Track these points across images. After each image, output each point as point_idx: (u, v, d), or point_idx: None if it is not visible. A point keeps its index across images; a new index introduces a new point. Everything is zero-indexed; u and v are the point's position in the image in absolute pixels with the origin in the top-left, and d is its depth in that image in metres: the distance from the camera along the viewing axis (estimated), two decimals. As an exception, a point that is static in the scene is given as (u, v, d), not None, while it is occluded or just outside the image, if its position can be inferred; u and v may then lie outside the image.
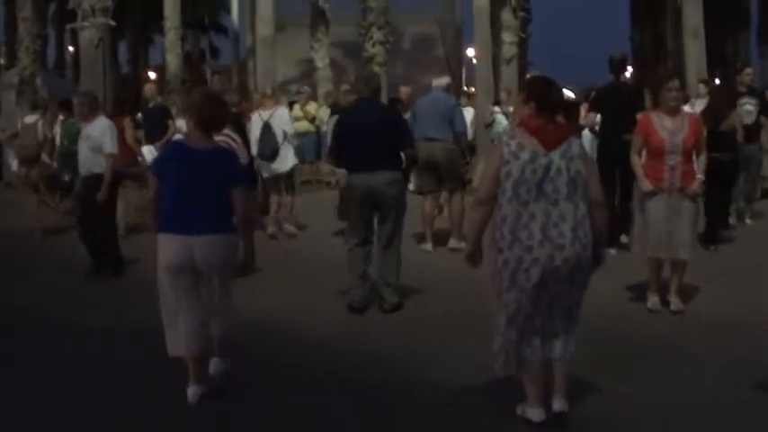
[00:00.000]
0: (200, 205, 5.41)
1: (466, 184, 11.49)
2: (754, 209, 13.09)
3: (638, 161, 7.91)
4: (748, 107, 12.02)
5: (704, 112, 10.98)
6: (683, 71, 19.22)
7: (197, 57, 45.91)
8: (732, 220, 12.09)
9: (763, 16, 35.69)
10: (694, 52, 20.16)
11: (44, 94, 21.94)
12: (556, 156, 4.99)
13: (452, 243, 11.00)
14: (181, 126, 16.07)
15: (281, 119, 11.93)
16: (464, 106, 18.23)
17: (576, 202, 5.00)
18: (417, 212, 12.72)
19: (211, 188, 5.45)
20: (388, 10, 24.01)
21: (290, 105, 17.89)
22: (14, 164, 13.42)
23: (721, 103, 11.16)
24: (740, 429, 5.11)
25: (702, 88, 15.95)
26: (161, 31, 30.23)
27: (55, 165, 12.73)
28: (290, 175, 12.12)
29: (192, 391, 5.56)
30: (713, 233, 10.74)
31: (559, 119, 5.29)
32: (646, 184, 7.75)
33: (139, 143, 13.12)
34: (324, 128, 16.71)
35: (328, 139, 9.67)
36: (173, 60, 27.09)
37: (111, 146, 9.38)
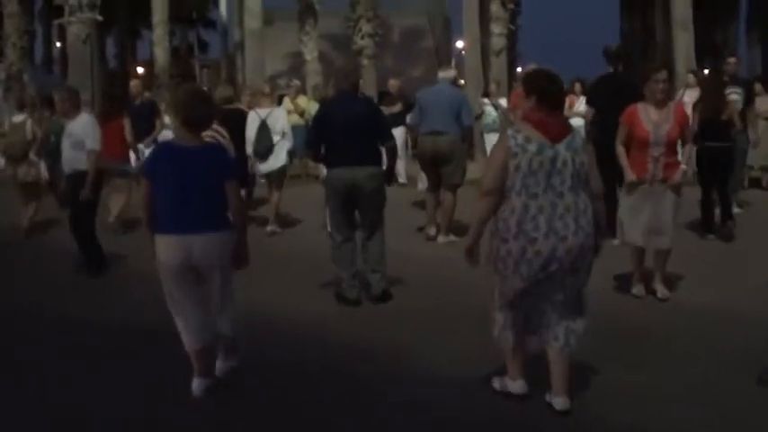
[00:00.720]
0: (194, 203, 5.39)
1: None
2: (740, 198, 13.12)
3: (623, 151, 7.97)
4: (734, 96, 12.04)
5: (699, 102, 10.99)
6: (672, 61, 19.24)
7: (185, 51, 45.85)
8: (735, 209, 12.09)
9: (751, 6, 35.75)
10: (683, 42, 20.20)
11: (32, 91, 21.84)
12: (561, 148, 5.05)
13: (441, 238, 10.99)
14: (170, 122, 16.03)
15: (279, 118, 11.90)
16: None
17: (579, 192, 5.07)
18: (405, 204, 12.77)
19: (204, 185, 5.42)
20: (377, 2, 23.97)
21: (280, 99, 17.84)
22: (1, 162, 13.30)
23: (712, 92, 11.18)
24: (731, 417, 5.11)
25: (691, 78, 15.96)
26: (149, 25, 30.15)
27: (42, 163, 12.62)
28: (281, 171, 12.08)
29: (197, 384, 5.59)
30: (710, 222, 10.77)
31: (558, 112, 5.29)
32: (630, 175, 7.81)
33: None
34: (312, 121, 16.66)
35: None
36: (161, 55, 27.05)
37: (92, 142, 9.29)
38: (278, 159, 11.86)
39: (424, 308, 7.66)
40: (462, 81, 23.11)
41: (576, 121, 17.94)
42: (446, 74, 11.52)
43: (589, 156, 5.20)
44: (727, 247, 10.23)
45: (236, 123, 10.87)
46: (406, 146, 15.81)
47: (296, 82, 20.19)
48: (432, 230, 11.12)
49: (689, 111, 11.42)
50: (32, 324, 7.48)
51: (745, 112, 12.44)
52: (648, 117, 7.75)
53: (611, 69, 10.90)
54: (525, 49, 31.64)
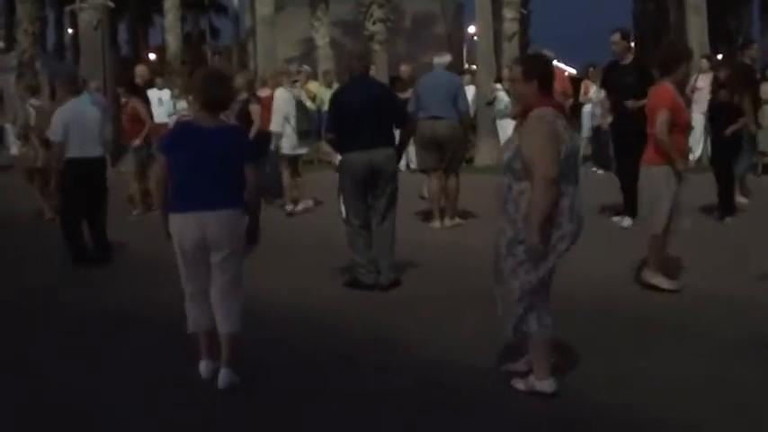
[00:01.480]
0: (210, 183, 5.43)
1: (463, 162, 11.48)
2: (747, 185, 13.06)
3: (671, 141, 7.51)
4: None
5: (731, 86, 10.85)
6: (680, 43, 19.12)
7: (197, 37, 45.75)
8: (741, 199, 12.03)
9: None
10: (697, 27, 20.06)
11: (43, 77, 21.90)
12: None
13: (447, 221, 11.01)
14: (181, 108, 16.07)
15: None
16: (466, 84, 18.19)
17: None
18: (413, 191, 12.75)
19: (221, 166, 5.47)
20: (389, -13, 23.87)
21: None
22: (14, 148, 13.32)
23: (743, 78, 11.17)
24: (736, 405, 5.08)
25: (705, 64, 15.88)
26: (160, 11, 30.15)
27: None
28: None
29: (205, 366, 5.63)
30: (731, 204, 10.75)
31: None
32: (681, 164, 7.53)
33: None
34: (324, 107, 16.69)
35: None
36: (173, 41, 27.03)
37: (50, 133, 9.40)
38: (306, 142, 12.07)
39: (435, 293, 7.65)
40: (474, 66, 23.07)
41: (588, 107, 17.96)
42: (441, 59, 11.48)
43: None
44: (736, 234, 10.17)
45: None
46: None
47: (305, 67, 20.17)
48: (437, 223, 11.09)
49: (704, 96, 11.41)
50: (32, 318, 7.47)
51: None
52: (680, 100, 7.68)
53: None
54: (537, 35, 31.51)
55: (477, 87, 19.01)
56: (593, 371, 5.57)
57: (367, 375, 5.73)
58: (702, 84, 14.49)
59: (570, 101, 14.66)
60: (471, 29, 33.96)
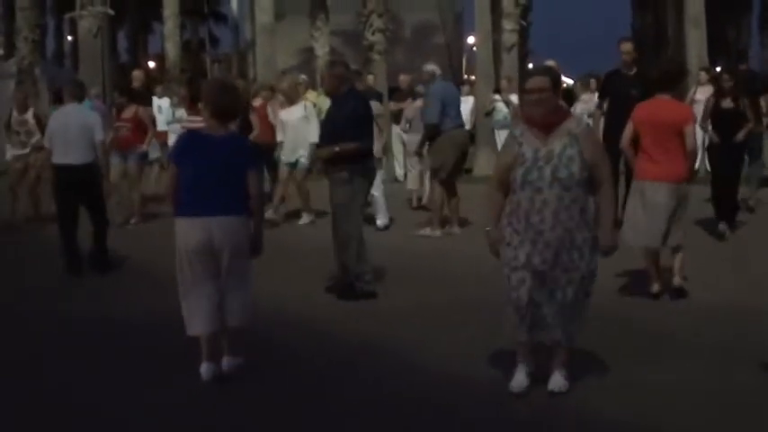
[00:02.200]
0: (217, 189, 5.60)
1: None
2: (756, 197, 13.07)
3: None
4: None
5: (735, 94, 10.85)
6: (684, 58, 19.16)
7: (196, 45, 45.75)
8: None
9: (764, 3, 35.54)
10: (695, 39, 20.07)
11: (43, 84, 21.88)
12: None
13: (456, 229, 11.19)
14: (181, 116, 16.03)
15: None
16: (465, 95, 18.19)
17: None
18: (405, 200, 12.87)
19: (226, 173, 5.63)
20: (389, -3, 23.90)
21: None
22: (8, 153, 13.28)
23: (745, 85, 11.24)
24: (741, 415, 5.08)
25: (703, 76, 15.89)
26: (160, 19, 30.15)
27: None
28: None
29: (206, 369, 5.69)
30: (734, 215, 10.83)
31: None
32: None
33: None
34: (323, 116, 16.66)
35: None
36: (172, 49, 27.02)
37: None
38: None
39: (433, 302, 7.65)
40: (473, 77, 23.08)
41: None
42: (435, 68, 11.51)
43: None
44: (738, 244, 10.17)
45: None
46: (403, 143, 15.87)
47: (303, 77, 20.15)
48: (437, 231, 11.11)
49: (700, 108, 11.42)
50: (32, 323, 7.47)
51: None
52: None
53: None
54: (537, 46, 31.59)
55: (475, 98, 19.03)
56: (593, 379, 5.57)
57: (365, 379, 5.76)
58: (701, 96, 14.49)
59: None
60: (470, 39, 33.99)
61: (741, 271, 8.75)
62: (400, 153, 16.71)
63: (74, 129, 9.27)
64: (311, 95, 19.24)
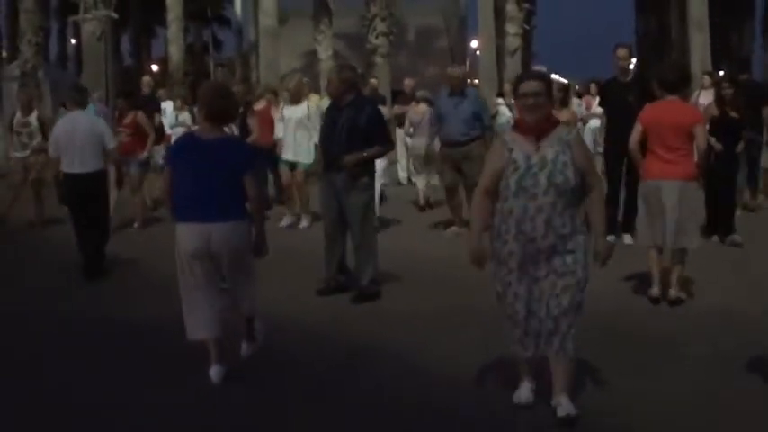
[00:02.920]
0: (214, 194, 5.57)
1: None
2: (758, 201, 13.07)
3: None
4: None
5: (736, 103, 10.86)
6: (687, 62, 19.17)
7: (200, 49, 45.85)
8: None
9: (767, 7, 35.60)
10: (699, 43, 20.11)
11: (46, 87, 21.93)
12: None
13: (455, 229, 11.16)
14: (184, 119, 16.07)
15: None
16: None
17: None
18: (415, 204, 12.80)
19: (223, 176, 5.59)
20: (393, 1, 23.94)
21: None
22: (13, 155, 13.27)
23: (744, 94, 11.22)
24: (737, 419, 5.07)
25: (707, 80, 15.87)
26: (163, 23, 30.18)
27: None
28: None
29: (215, 371, 5.71)
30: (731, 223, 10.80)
31: None
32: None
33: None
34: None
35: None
36: (175, 53, 27.06)
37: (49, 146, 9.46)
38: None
39: (434, 306, 7.63)
40: (476, 81, 23.11)
41: (594, 123, 17.95)
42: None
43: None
44: (734, 250, 10.14)
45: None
46: (406, 147, 15.90)
47: (306, 80, 20.14)
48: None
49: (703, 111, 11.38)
50: (33, 323, 7.46)
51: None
52: None
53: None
54: (540, 50, 31.60)
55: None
56: (592, 386, 5.55)
57: (365, 382, 5.75)
58: (704, 100, 14.46)
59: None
60: (474, 43, 34.06)
61: (741, 274, 8.73)
62: (403, 157, 16.70)
63: (81, 136, 9.16)
64: (314, 98, 19.31)
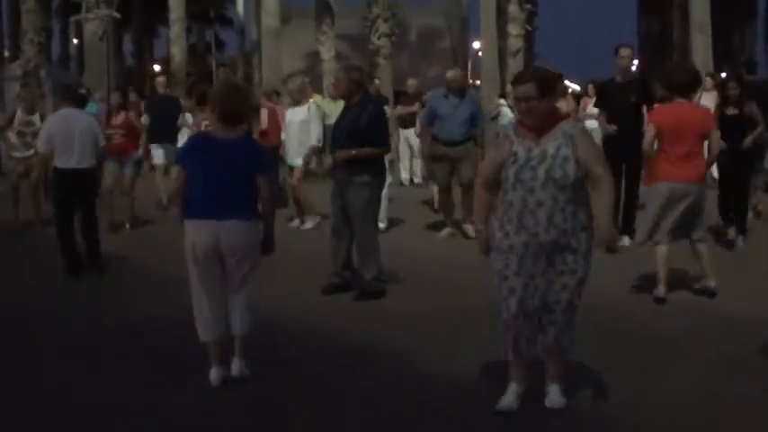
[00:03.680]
0: (225, 192, 5.57)
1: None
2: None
3: None
4: None
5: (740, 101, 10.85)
6: (689, 64, 19.15)
7: (202, 49, 45.88)
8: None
9: (770, 9, 35.59)
10: (701, 45, 20.09)
11: (48, 87, 21.93)
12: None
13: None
14: (186, 119, 16.04)
15: None
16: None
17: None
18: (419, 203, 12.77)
19: (236, 176, 5.60)
20: (395, 2, 23.94)
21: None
22: (13, 154, 13.24)
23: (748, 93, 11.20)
24: (738, 420, 5.06)
25: (709, 82, 15.83)
26: (166, 23, 30.23)
27: None
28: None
29: (215, 374, 5.67)
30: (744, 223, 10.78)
31: None
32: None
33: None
34: (329, 121, 16.65)
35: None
36: (178, 53, 27.11)
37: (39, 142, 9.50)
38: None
39: (435, 306, 7.62)
40: (479, 82, 23.10)
41: (590, 124, 17.91)
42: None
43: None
44: (744, 249, 10.13)
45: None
46: (410, 147, 15.87)
47: (306, 80, 20.12)
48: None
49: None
50: (33, 323, 7.44)
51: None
52: None
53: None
54: (542, 51, 31.58)
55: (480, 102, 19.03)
56: (592, 386, 5.54)
57: (366, 382, 5.74)
58: (706, 102, 14.43)
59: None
60: (476, 44, 34.03)
61: (746, 276, 8.71)
62: (406, 157, 16.69)
63: (81, 133, 9.19)
64: (317, 99, 19.30)
